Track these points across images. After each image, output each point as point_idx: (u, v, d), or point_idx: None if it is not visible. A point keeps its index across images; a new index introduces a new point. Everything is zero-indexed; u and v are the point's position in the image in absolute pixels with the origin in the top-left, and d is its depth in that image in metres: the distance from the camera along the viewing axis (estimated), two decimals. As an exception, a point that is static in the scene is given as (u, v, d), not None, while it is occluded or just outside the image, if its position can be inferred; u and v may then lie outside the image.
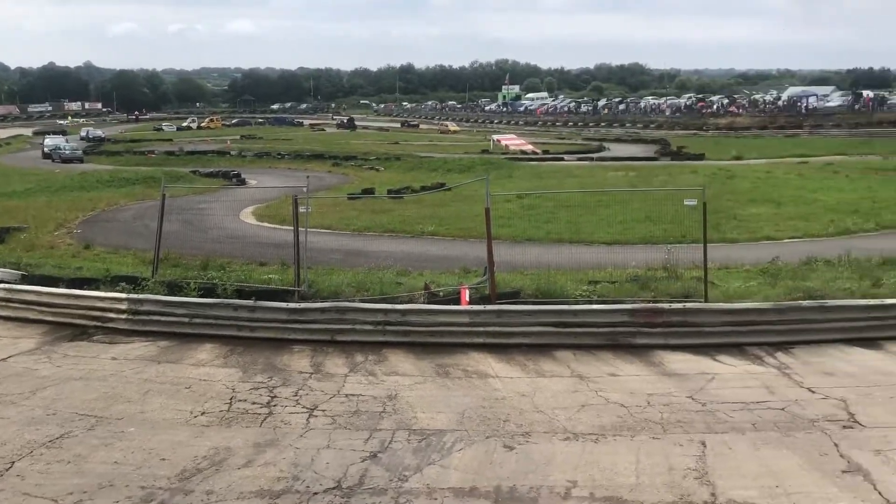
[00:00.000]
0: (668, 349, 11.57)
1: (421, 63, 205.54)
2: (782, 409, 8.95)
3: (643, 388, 9.81)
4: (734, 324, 11.89)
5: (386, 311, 11.98)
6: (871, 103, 70.55)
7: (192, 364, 11.01)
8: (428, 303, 12.43)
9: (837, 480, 6.99)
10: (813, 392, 9.56)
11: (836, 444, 7.82)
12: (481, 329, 11.84)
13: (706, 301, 12.24)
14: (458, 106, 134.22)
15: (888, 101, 71.49)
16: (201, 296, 12.77)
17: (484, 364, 10.90)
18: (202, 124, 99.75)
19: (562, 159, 47.73)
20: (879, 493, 6.67)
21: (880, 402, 9.11)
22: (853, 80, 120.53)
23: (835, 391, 9.55)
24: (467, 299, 12.32)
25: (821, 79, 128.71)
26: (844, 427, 8.35)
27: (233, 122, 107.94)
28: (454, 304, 12.35)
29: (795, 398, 9.33)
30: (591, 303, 12.39)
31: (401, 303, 12.34)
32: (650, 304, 12.12)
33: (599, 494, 6.87)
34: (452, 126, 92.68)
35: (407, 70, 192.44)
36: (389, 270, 14.38)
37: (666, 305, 12.08)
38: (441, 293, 12.80)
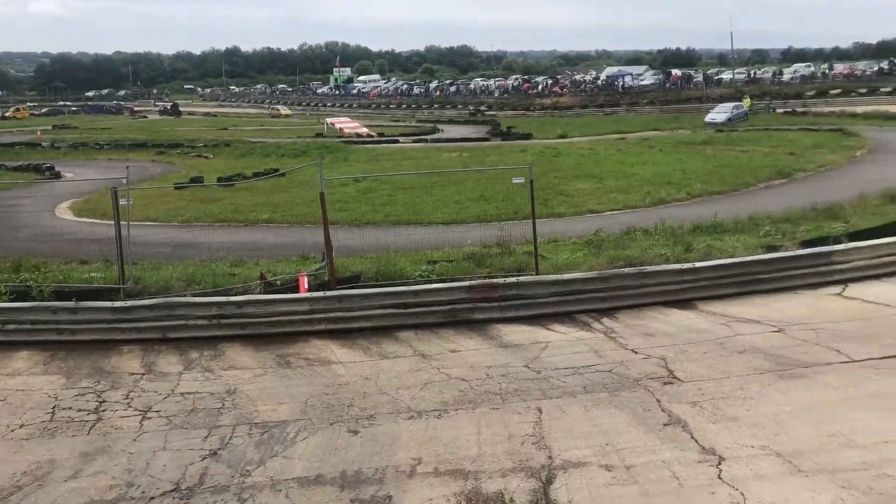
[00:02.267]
0: (504, 322, 11.99)
1: (248, 46, 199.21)
2: (609, 370, 9.53)
3: (482, 362, 10.11)
4: (564, 293, 12.49)
5: (220, 304, 11.58)
6: (679, 81, 76.01)
7: (7, 374, 10.16)
8: (265, 293, 12.14)
9: (660, 433, 7.54)
10: (636, 353, 10.24)
11: (658, 400, 8.43)
12: (322, 316, 11.72)
13: (537, 274, 12.76)
14: (290, 89, 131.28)
15: (694, 79, 77.28)
16: (13, 300, 11.78)
17: (326, 351, 10.81)
18: (6, 114, 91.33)
19: (397, 142, 47.94)
20: (696, 440, 7.27)
21: (695, 358, 9.90)
22: (663, 60, 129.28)
23: (655, 350, 10.28)
24: (306, 286, 12.15)
25: (635, 59, 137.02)
26: (665, 383, 9.01)
27: (42, 111, 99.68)
28: (293, 292, 12.14)
29: (621, 360, 9.96)
30: (430, 282, 12.60)
31: (236, 294, 11.99)
32: (486, 280, 12.48)
33: (443, 469, 7.03)
34: (284, 110, 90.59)
35: (233, 53, 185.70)
36: (222, 262, 13.91)
37: (501, 280, 12.49)
38: (279, 282, 12.55)
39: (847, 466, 6.46)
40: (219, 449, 7.68)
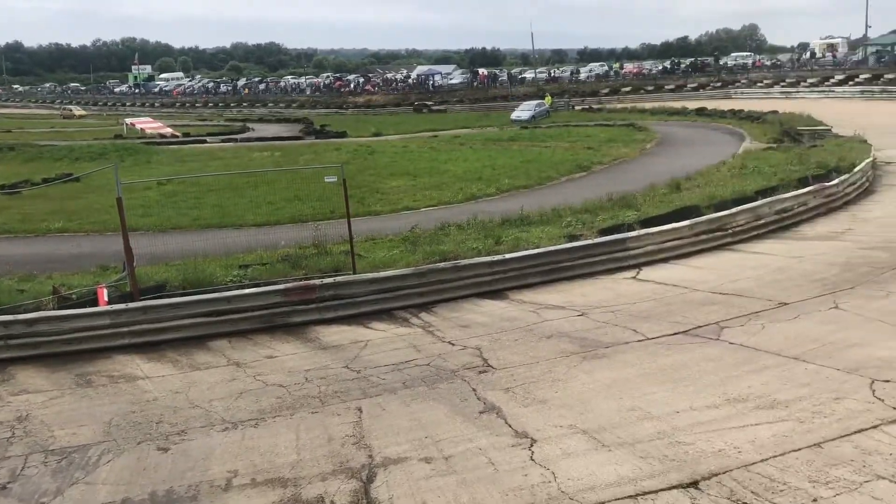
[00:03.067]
0: (323, 323, 11.86)
1: (32, 41, 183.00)
2: (428, 364, 9.69)
3: (301, 366, 9.94)
4: (382, 291, 12.55)
5: (6, 324, 10.55)
6: (486, 80, 78.77)
7: None
8: (59, 308, 11.20)
9: (476, 421, 7.76)
10: (453, 345, 10.48)
11: (474, 390, 8.68)
12: (126, 329, 11.01)
13: (355, 273, 12.72)
14: (83, 88, 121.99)
15: (500, 78, 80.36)
16: None
17: (131, 366, 10.16)
18: None
19: (204, 142, 45.93)
20: (510, 426, 7.55)
21: (507, 346, 10.29)
22: (471, 59, 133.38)
23: (471, 341, 10.58)
24: (106, 299, 11.34)
25: (444, 58, 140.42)
26: (480, 372, 9.29)
27: None
28: (91, 306, 11.29)
29: (439, 353, 10.16)
30: (243, 287, 12.19)
31: (25, 312, 10.96)
32: (302, 282, 12.27)
33: (261, 479, 6.82)
34: (78, 110, 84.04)
35: (15, 49, 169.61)
36: (7, 277, 12.67)
37: (318, 281, 12.33)
38: (75, 296, 11.61)
39: (644, 437, 6.97)
40: (9, 482, 6.99)
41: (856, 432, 6.69)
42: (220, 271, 12.91)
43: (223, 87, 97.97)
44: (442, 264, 13.07)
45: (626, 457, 6.59)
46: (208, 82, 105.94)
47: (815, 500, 5.59)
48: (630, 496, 5.90)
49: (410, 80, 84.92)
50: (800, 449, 6.45)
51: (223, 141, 46.58)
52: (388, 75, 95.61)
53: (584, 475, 6.30)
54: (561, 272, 13.88)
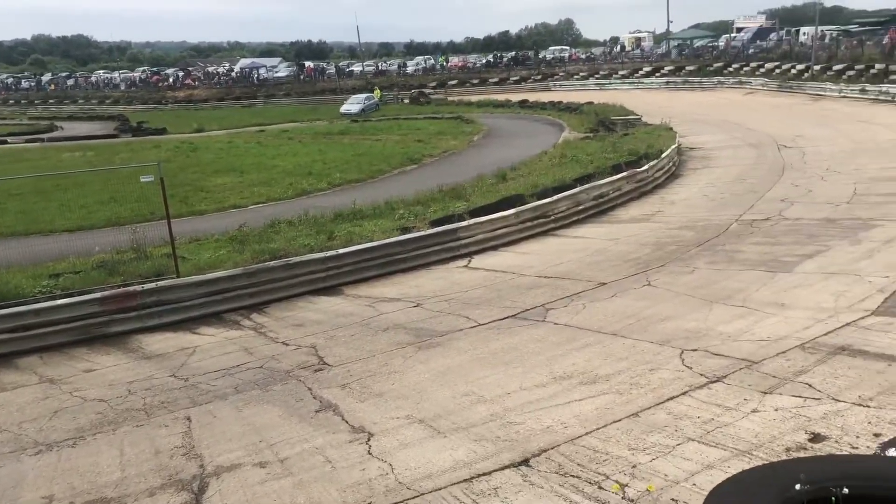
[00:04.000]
0: (146, 331, 11.27)
1: None
2: (261, 366, 9.43)
3: (123, 378, 9.37)
4: (209, 294, 12.09)
5: None
6: (313, 73, 77.62)
7: None
8: None
9: (312, 420, 7.64)
10: (287, 345, 10.27)
11: (309, 389, 8.53)
12: (-85, 352, 9.90)
13: (178, 276, 12.15)
14: None
15: (327, 71, 79.45)
16: None
17: (-76, 393, 9.14)
18: None
19: (5, 142, 42.18)
20: (347, 422, 7.49)
21: (343, 342, 10.21)
22: (297, 52, 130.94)
23: (306, 339, 10.42)
24: None
25: (268, 51, 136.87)
26: (316, 371, 9.16)
27: None
28: None
29: (272, 354, 9.91)
30: (54, 298, 11.32)
31: None
32: (121, 289, 11.58)
33: (81, 501, 6.35)
34: None
35: None
36: None
37: (138, 287, 11.69)
38: None
39: (478, 421, 7.14)
40: None
41: (668, 400, 7.20)
42: (26, 282, 11.91)
43: (25, 84, 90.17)
44: (273, 263, 12.76)
45: (462, 441, 6.72)
46: (7, 77, 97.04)
47: (634, 466, 5.95)
48: (465, 479, 6.03)
49: (234, 74, 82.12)
50: (620, 420, 6.85)
51: (28, 141, 43.05)
52: (210, 68, 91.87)
53: (421, 464, 6.37)
54: (396, 264, 13.97)
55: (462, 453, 6.49)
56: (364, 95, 54.37)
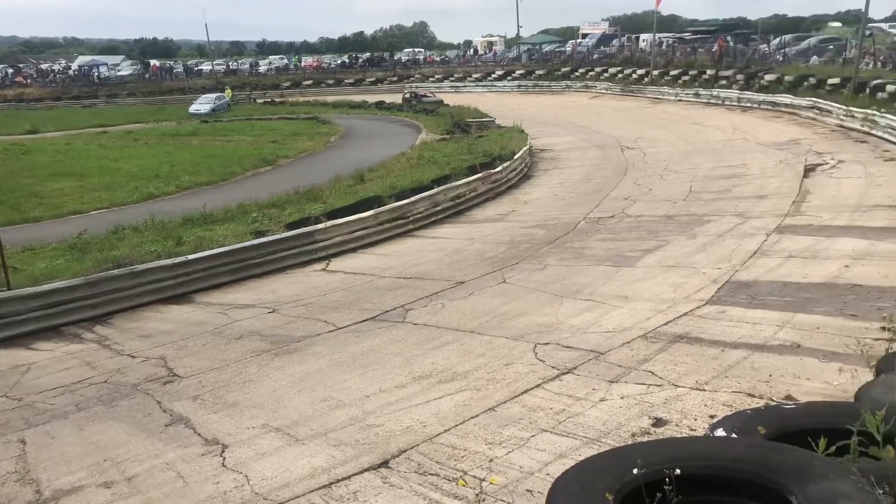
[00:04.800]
0: (-28, 350, 10.34)
1: None
2: (105, 381, 8.90)
3: (-55, 402, 8.55)
4: (46, 306, 11.30)
5: None
6: (159, 72, 74.21)
7: None
8: None
9: (162, 435, 7.27)
10: (134, 357, 9.74)
11: (158, 402, 8.13)
12: None
13: (9, 289, 11.25)
14: None
15: (175, 70, 76.22)
16: None
17: None
18: None
19: None
20: (199, 434, 7.19)
21: (195, 352, 9.81)
22: (141, 50, 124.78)
23: (154, 351, 9.92)
24: None
25: (110, 48, 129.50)
26: (165, 383, 8.74)
27: None
28: None
29: (118, 367, 9.38)
30: None
31: None
32: (-58, 305, 10.57)
33: None
34: None
35: None
36: None
37: (-38, 302, 10.72)
38: None
39: (337, 426, 7.05)
40: None
41: (523, 393, 7.40)
42: None
43: None
44: (116, 271, 12.08)
45: (320, 447, 6.62)
46: None
47: (491, 460, 6.07)
48: (324, 486, 5.93)
49: (72, 72, 77.14)
50: (477, 415, 6.97)
51: None
52: (44, 66, 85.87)
53: (278, 472, 6.21)
54: (250, 269, 13.60)
55: (321, 459, 6.39)
56: (215, 95, 52.61)
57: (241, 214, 16.44)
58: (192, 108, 48.61)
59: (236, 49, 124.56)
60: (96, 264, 12.43)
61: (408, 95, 47.55)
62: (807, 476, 2.90)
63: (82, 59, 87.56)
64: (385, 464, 6.21)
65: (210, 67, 75.55)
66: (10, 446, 7.28)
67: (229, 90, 56.42)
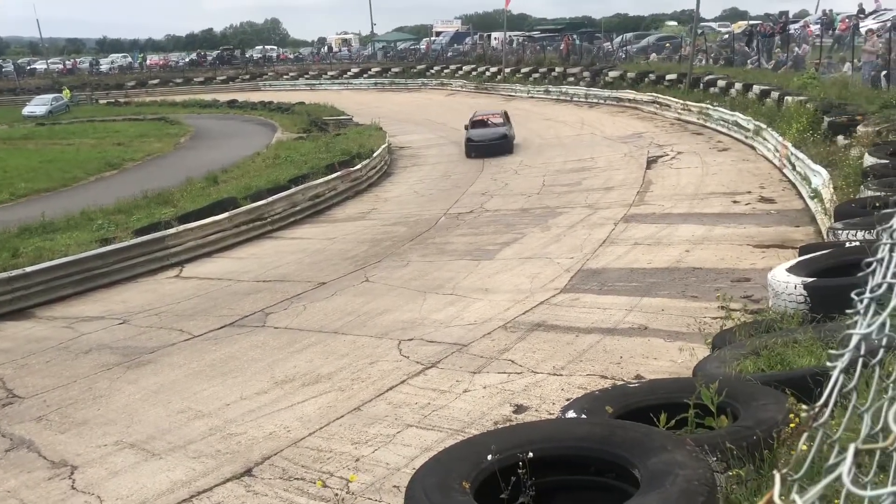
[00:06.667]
0: None
1: None
2: (-67, 409, 8.16)
3: None
4: None
5: None
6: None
7: None
8: None
9: (3, 462, 6.77)
10: (-34, 380, 8.99)
11: (-3, 427, 7.56)
12: None
13: None
14: None
15: (4, 69, 70.76)
16: None
17: None
18: None
19: None
20: (45, 457, 6.75)
21: (37, 370, 9.20)
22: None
23: (-10, 372, 9.21)
24: None
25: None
26: (4, 405, 8.15)
27: None
28: None
29: (-52, 392, 8.63)
30: None
31: None
32: None
33: None
34: None
35: None
36: None
37: None
38: None
39: (197, 437, 6.82)
40: None
41: (388, 390, 7.43)
42: None
43: None
44: (-57, 288, 11.10)
45: (179, 460, 6.37)
46: None
47: (357, 459, 6.06)
48: (185, 499, 5.72)
49: None
50: (342, 416, 6.94)
51: None
52: None
53: (134, 490, 5.93)
54: (96, 279, 12.89)
55: (180, 473, 6.15)
56: (51, 96, 49.20)
57: (85, 222, 15.52)
58: (26, 111, 45.31)
59: (73, 47, 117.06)
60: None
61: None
62: (648, 449, 3.09)
63: None
64: (248, 472, 6.06)
65: (45, 66, 70.63)
66: None
67: (67, 90, 52.88)
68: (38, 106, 46.11)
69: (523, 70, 45.06)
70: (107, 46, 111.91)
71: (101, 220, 15.46)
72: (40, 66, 71.85)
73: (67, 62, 74.16)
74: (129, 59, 75.54)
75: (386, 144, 24.90)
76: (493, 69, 47.84)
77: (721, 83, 25.75)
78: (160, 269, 13.74)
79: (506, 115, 25.54)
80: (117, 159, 27.00)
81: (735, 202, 14.06)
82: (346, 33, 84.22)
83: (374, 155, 22.20)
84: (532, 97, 40.78)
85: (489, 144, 23.35)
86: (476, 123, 24.70)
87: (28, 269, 12.01)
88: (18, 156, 28.43)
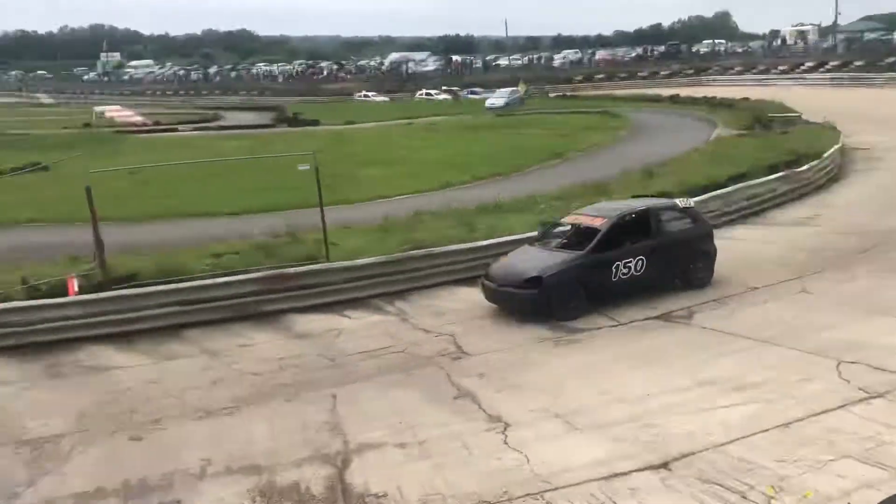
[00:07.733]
0: (297, 312, 11.81)
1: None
2: (403, 351, 9.72)
3: (275, 354, 9.92)
4: (357, 279, 12.53)
5: (-25, 315, 10.40)
6: (460, 67, 78.62)
7: None
8: (28, 298, 11.06)
9: (450, 406, 7.81)
10: (427, 332, 10.51)
11: (448, 375, 8.72)
12: (97, 319, 10.90)
13: (329, 261, 12.68)
14: (49, 76, 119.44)
15: (474, 65, 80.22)
16: None
17: (103, 356, 10.08)
18: None
19: (176, 130, 45.43)
20: (484, 410, 7.61)
21: (482, 332, 10.34)
22: (445, 46, 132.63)
23: (445, 328, 10.61)
24: (76, 289, 11.20)
25: (417, 45, 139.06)
26: (454, 359, 9.34)
27: None
28: (61, 296, 11.15)
29: (413, 340, 10.18)
30: (216, 276, 12.10)
31: (-7, 303, 10.81)
32: (276, 271, 12.22)
33: (236, 466, 6.82)
34: (45, 98, 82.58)
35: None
36: (-25, 268, 12.48)
37: (291, 270, 12.28)
38: (44, 286, 11.46)
39: (617, 420, 7.06)
40: (-21, 474, 6.92)
41: (822, 412, 6.83)
42: (192, 261, 12.79)
43: (194, 75, 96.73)
44: (416, 252, 13.05)
45: (599, 440, 6.69)
46: (179, 70, 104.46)
47: (782, 479, 5.69)
48: (604, 477, 5.98)
49: (384, 68, 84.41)
50: (768, 430, 6.57)
51: (195, 129, 46.07)
52: (362, 62, 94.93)
53: (558, 458, 6.37)
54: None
55: (600, 451, 6.46)
56: (509, 89, 54.31)
57: (531, 205, 16.87)
58: (488, 102, 50.71)
59: (532, 44, 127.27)
60: (400, 244, 13.53)
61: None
62: None
63: (394, 56, 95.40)
64: (665, 465, 6.11)
65: (507, 62, 78.29)
66: (324, 400, 8.26)
67: (523, 84, 57.94)
68: (498, 98, 51.26)
69: None
70: (561, 43, 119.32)
71: (544, 204, 16.66)
72: (503, 62, 79.76)
73: (526, 58, 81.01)
74: (579, 55, 79.69)
75: (838, 145, 22.53)
76: None
77: None
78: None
79: None
80: (561, 149, 28.74)
81: None
82: (802, 25, 77.77)
83: (824, 156, 20.26)
84: None
85: None
86: None
87: (482, 243, 13.51)
88: (480, 143, 32.03)
